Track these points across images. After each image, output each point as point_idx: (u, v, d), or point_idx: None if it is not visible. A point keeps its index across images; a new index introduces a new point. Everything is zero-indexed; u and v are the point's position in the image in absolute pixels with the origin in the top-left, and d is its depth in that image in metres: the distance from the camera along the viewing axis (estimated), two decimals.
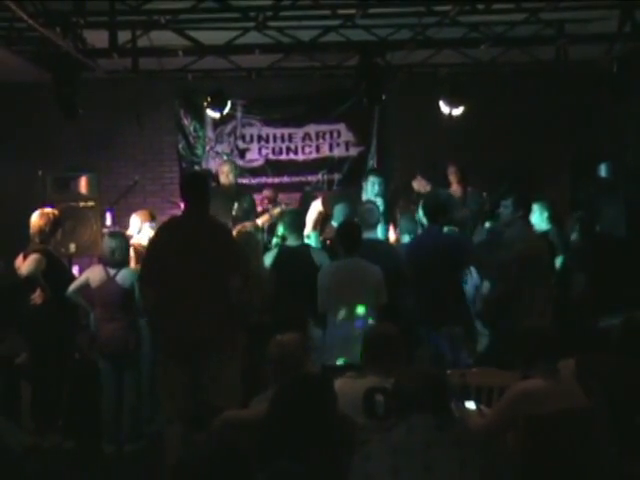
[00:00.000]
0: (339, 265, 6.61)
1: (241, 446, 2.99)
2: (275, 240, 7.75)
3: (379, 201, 8.48)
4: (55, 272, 7.07)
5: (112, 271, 6.95)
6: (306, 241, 7.58)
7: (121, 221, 9.16)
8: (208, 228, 5.85)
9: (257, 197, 10.05)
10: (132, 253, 7.50)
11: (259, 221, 8.59)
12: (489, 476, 3.42)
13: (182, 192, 6.04)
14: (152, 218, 8.29)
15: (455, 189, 9.32)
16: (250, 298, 6.01)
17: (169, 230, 5.95)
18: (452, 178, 9.52)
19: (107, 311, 6.92)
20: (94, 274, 7.00)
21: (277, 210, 8.95)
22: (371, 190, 8.88)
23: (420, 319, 6.83)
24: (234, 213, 8.42)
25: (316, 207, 8.66)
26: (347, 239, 6.61)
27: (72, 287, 6.97)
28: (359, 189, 9.13)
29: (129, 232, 8.14)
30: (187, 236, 5.71)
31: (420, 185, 9.45)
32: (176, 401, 5.62)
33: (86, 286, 6.98)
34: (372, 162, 10.97)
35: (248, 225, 7.31)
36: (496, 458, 4.01)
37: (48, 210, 7.27)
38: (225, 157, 10.93)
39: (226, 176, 9.01)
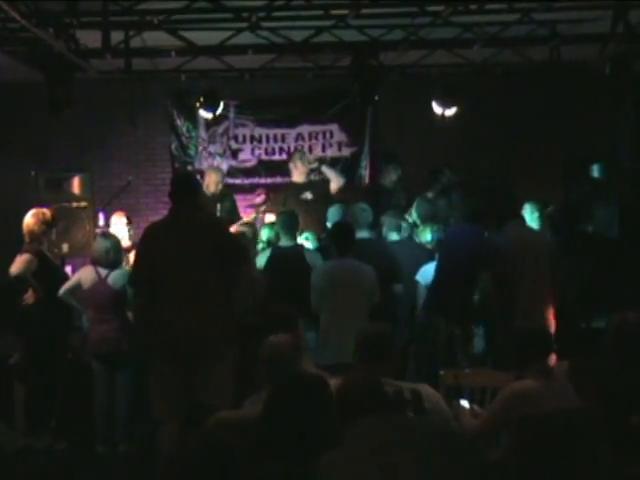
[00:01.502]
0: (332, 265, 6.62)
1: (234, 446, 2.98)
2: (261, 245, 7.72)
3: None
4: (47, 272, 7.05)
5: (103, 272, 6.94)
6: (304, 242, 7.59)
7: None
8: (200, 228, 5.82)
9: (252, 197, 10.08)
10: None
11: (246, 218, 8.66)
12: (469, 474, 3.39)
13: (173, 192, 5.94)
14: (128, 221, 8.35)
15: None
16: (244, 297, 6.01)
17: (159, 232, 5.91)
18: None
19: (98, 312, 6.91)
20: (85, 275, 6.99)
21: (262, 208, 9.00)
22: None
23: (430, 307, 6.98)
24: (218, 214, 8.51)
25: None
26: (340, 239, 6.62)
27: (64, 288, 6.96)
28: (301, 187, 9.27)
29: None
30: (178, 237, 5.68)
31: None
32: (169, 402, 5.61)
33: (78, 287, 6.97)
34: (365, 162, 10.97)
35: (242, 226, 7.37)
36: (476, 457, 4.00)
37: (39, 210, 7.24)
38: (218, 158, 10.93)
39: (216, 185, 9.12)
